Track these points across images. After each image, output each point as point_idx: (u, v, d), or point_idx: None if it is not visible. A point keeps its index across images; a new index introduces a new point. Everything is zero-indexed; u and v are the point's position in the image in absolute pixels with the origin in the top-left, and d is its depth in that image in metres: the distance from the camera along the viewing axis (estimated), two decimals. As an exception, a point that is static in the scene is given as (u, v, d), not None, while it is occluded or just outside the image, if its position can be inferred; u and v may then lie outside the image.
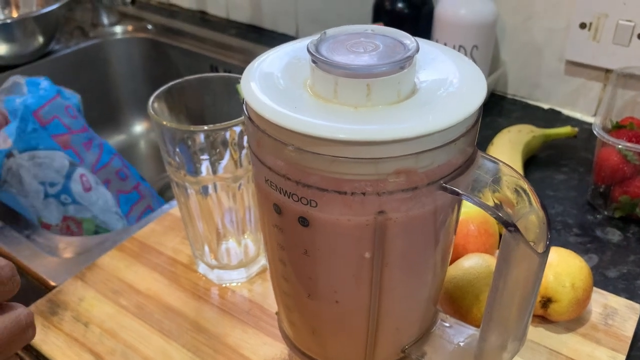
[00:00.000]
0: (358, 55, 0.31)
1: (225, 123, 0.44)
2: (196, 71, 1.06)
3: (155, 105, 0.46)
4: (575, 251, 0.57)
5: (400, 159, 0.28)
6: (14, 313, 0.30)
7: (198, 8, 1.15)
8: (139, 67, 1.12)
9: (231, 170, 0.47)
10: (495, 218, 0.29)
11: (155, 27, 1.11)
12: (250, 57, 1.01)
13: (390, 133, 0.27)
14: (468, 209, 0.50)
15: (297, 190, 0.30)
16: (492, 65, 0.80)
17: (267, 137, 0.30)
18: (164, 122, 0.43)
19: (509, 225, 0.29)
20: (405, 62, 0.29)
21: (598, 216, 0.62)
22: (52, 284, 0.54)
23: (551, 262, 0.46)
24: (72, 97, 0.75)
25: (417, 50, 0.30)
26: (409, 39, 0.32)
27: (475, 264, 0.45)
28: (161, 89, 0.47)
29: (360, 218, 0.30)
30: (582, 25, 0.73)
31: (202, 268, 0.53)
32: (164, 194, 1.03)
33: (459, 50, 0.75)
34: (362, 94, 0.29)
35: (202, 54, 1.04)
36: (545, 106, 0.82)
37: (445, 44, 0.76)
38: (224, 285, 0.52)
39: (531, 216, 0.31)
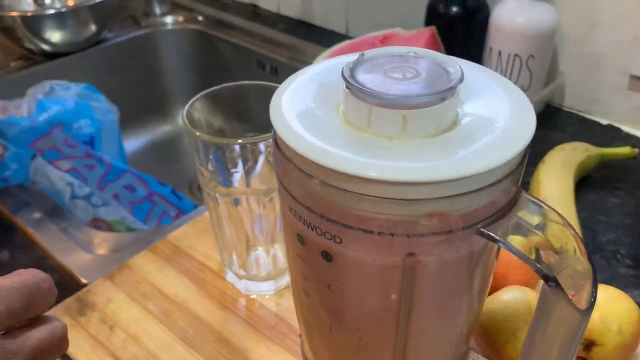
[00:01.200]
0: (396, 82, 0.29)
1: (261, 136, 0.42)
2: (243, 66, 1.06)
3: (191, 112, 0.45)
4: (624, 284, 0.53)
5: (434, 201, 0.26)
6: (51, 325, 0.31)
7: (249, 1, 1.14)
8: (187, 59, 1.12)
9: (265, 181, 0.46)
10: (535, 271, 0.27)
11: (206, 18, 1.11)
12: (297, 54, 0.99)
13: (424, 173, 0.25)
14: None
15: (321, 224, 0.28)
16: (548, 75, 0.76)
17: (293, 166, 0.28)
18: (198, 134, 0.42)
19: (549, 279, 0.27)
20: (446, 93, 0.27)
21: (654, 247, 0.58)
22: (83, 281, 0.54)
23: (597, 302, 0.43)
24: (92, 123, 0.73)
25: (461, 80, 0.28)
26: (453, 67, 0.29)
27: (514, 298, 0.43)
28: (197, 95, 0.46)
29: (388, 259, 0.28)
30: (651, 39, 0.68)
31: (230, 277, 0.52)
32: (205, 187, 1.03)
33: (513, 60, 0.72)
34: (398, 125, 0.27)
35: (250, 48, 1.03)
36: (604, 122, 0.77)
37: (499, 52, 0.73)
38: (251, 296, 0.51)
39: (576, 266, 0.28)
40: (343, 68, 0.29)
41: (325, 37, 1.00)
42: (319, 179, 0.27)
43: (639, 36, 0.69)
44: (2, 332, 0.29)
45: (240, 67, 1.05)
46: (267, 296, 0.51)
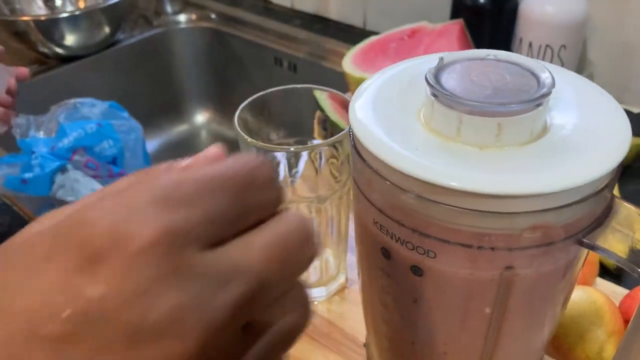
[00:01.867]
0: (484, 88, 0.27)
1: (318, 144, 0.41)
2: (259, 63, 1.04)
3: (241, 117, 0.44)
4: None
5: (540, 213, 0.25)
6: (283, 221, 0.19)
7: (261, -4, 1.12)
8: (201, 57, 1.11)
9: (313, 187, 0.45)
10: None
11: (219, 16, 1.10)
12: (315, 49, 0.98)
13: (533, 185, 0.24)
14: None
15: (413, 238, 0.27)
16: (578, 65, 0.75)
17: (381, 178, 0.27)
18: (249, 140, 0.41)
19: None
20: (541, 99, 0.26)
21: (700, 238, 0.57)
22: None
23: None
24: (114, 144, 0.71)
25: (554, 84, 0.27)
26: (540, 70, 0.28)
27: (579, 299, 0.42)
28: (245, 102, 0.45)
29: (485, 273, 0.27)
30: (686, 25, 0.67)
31: (278, 283, 0.51)
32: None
33: (545, 50, 0.71)
34: (491, 134, 0.26)
35: (266, 45, 1.01)
36: (636, 110, 0.76)
37: (530, 43, 0.71)
38: (301, 303, 0.50)
39: None
40: (427, 75, 0.28)
41: (343, 32, 0.99)
42: (414, 193, 0.26)
43: (672, 23, 0.68)
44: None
45: (257, 64, 1.04)
46: (317, 302, 0.50)
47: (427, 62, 0.33)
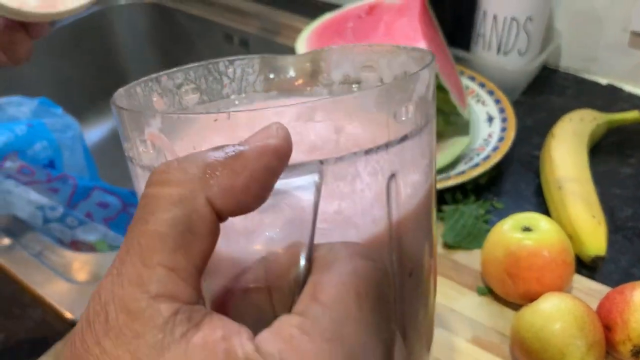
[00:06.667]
0: None
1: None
2: (208, 40, 0.97)
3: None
4: (655, 270, 0.51)
5: None
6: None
7: (208, -33, 1.05)
8: (146, 36, 1.03)
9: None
10: None
11: (162, -11, 1.02)
12: (267, 24, 0.92)
13: None
14: (542, 234, 0.44)
15: None
16: (545, 37, 0.71)
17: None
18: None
19: None
20: None
21: (674, 220, 0.55)
22: (69, 316, 0.48)
23: (637, 305, 0.40)
24: (49, 145, 0.64)
25: None
26: None
27: (556, 309, 0.39)
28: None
29: None
30: (655, -7, 0.64)
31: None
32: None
33: (510, 23, 0.67)
34: None
35: (214, 20, 0.95)
36: (604, 81, 0.73)
37: (494, 16, 0.67)
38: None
39: None
40: None
41: (296, 4, 0.93)
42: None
43: (640, -11, 0.65)
44: None
45: (206, 41, 0.97)
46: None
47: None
